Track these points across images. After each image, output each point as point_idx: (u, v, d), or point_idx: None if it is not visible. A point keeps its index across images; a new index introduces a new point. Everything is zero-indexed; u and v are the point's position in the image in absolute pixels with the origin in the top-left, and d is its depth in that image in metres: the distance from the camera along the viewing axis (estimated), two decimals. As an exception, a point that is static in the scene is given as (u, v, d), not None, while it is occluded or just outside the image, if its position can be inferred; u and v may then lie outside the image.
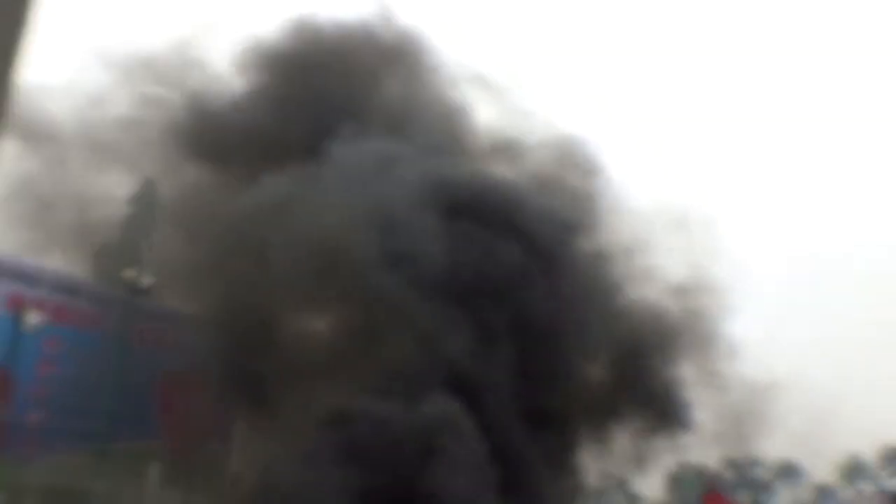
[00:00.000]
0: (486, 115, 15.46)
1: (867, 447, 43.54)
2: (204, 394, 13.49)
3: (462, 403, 10.43)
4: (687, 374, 15.18)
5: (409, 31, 15.09)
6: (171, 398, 13.91)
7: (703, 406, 15.15)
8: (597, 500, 48.49)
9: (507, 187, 13.62)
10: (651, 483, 45.84)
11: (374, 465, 9.46)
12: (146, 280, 12.85)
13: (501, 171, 15.07)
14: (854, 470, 44.00)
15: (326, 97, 13.33)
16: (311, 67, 13.75)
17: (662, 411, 14.08)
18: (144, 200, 15.25)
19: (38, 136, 12.77)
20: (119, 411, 12.75)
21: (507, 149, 15.42)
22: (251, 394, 11.83)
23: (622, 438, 14.80)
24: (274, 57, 14.07)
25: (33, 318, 11.42)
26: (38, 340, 12.07)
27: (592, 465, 14.87)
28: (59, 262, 13.16)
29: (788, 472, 46.77)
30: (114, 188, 14.58)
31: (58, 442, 12.11)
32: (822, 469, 49.60)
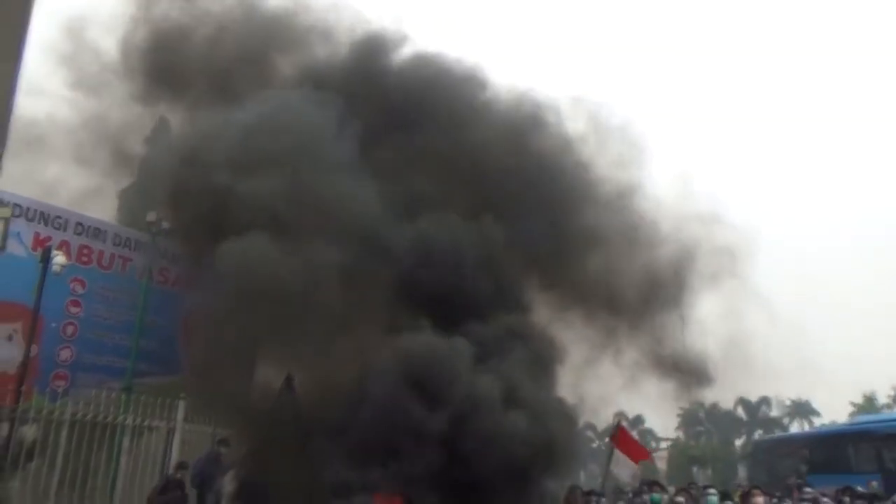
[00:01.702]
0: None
1: (881, 385, 43.83)
2: (225, 332, 13.86)
3: None
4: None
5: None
6: (194, 336, 14.30)
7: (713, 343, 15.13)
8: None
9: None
10: (665, 421, 46.74)
11: None
12: (167, 221, 12.97)
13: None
14: (867, 409, 44.19)
15: None
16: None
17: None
18: (160, 140, 15.23)
19: None
20: (145, 349, 13.19)
21: None
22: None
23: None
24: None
25: (60, 259, 11.67)
26: (65, 281, 12.41)
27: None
28: (83, 204, 13.33)
29: (801, 410, 47.20)
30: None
31: (87, 377, 12.61)
32: (835, 407, 50.12)
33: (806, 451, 19.58)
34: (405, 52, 14.40)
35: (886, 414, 25.29)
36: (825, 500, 10.04)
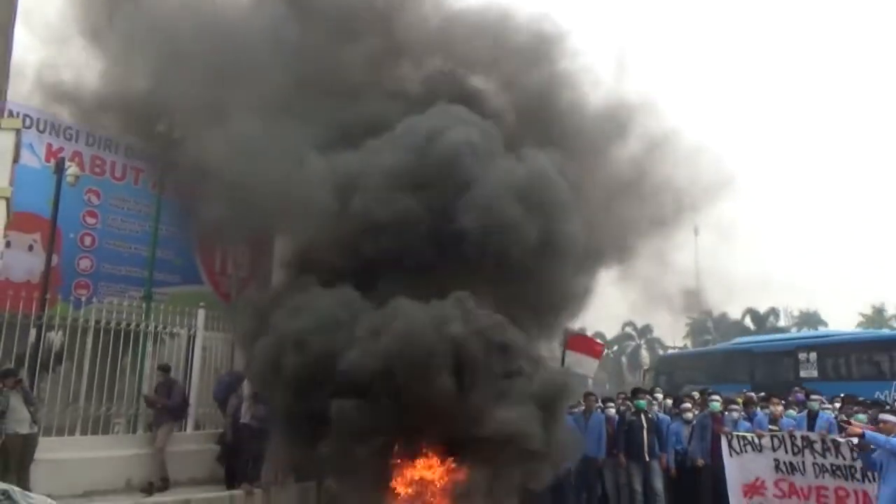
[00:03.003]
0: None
1: (891, 296, 44.20)
2: (241, 243, 14.06)
3: None
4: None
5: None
6: (210, 247, 14.50)
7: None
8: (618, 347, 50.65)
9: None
10: (674, 331, 47.59)
11: None
12: (177, 132, 12.86)
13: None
14: (875, 320, 44.68)
15: None
16: None
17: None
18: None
19: None
20: (163, 259, 13.43)
21: None
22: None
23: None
24: None
25: (73, 170, 11.73)
26: (79, 192, 12.52)
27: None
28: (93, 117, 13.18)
29: (809, 320, 47.79)
30: None
31: (108, 287, 12.93)
32: (843, 318, 50.65)
33: (703, 364, 23.96)
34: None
35: (763, 336, 30.41)
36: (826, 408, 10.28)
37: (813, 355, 18.87)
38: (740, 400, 11.34)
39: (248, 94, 10.17)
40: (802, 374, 18.63)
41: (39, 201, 11.55)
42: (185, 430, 11.15)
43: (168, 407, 10.25)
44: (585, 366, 13.84)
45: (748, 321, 47.22)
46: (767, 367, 20.06)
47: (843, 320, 44.99)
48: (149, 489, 9.53)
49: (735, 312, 48.71)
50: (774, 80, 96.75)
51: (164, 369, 10.60)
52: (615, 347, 52.16)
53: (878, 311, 45.07)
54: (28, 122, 12.14)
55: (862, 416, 9.03)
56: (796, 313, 49.20)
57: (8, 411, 8.29)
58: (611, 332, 51.88)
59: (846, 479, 8.56)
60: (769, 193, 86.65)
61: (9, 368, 8.80)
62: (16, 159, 10.12)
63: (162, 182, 13.00)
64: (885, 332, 26.94)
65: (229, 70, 10.26)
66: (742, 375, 19.72)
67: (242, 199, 9.61)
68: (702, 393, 12.37)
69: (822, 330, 26.85)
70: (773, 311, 47.30)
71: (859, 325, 44.70)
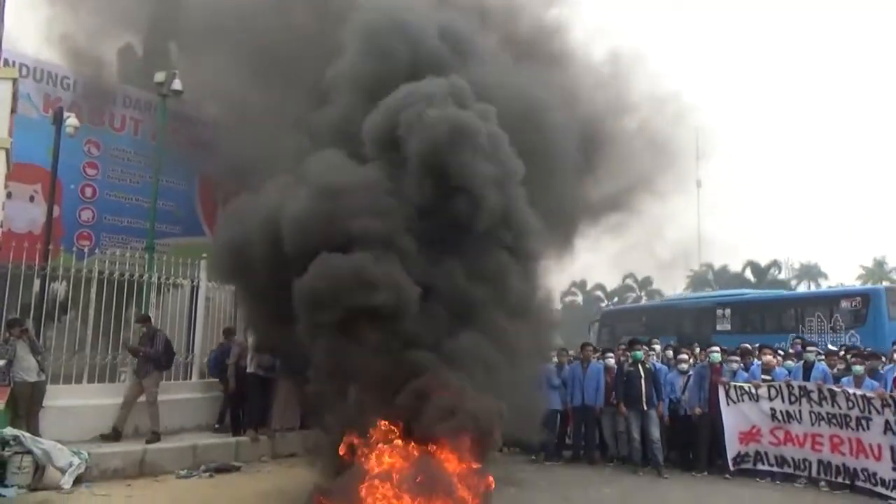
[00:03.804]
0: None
1: (892, 248, 44.10)
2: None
3: None
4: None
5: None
6: (211, 198, 14.48)
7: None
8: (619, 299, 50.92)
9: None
10: (674, 283, 47.74)
11: None
12: (177, 82, 12.69)
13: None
14: (876, 273, 44.69)
15: None
16: None
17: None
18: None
19: None
20: (164, 209, 13.42)
21: None
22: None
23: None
24: None
25: (72, 121, 11.63)
26: (79, 142, 12.45)
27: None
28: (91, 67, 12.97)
29: (810, 273, 47.83)
30: None
31: (110, 238, 12.97)
32: (844, 270, 50.76)
33: (639, 318, 26.45)
34: None
35: (690, 295, 33.97)
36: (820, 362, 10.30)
37: (728, 311, 21.06)
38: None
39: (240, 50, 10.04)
40: (718, 327, 20.63)
41: (39, 152, 11.50)
42: (190, 378, 11.32)
43: (150, 355, 9.94)
44: None
45: (749, 273, 47.23)
46: (691, 321, 22.07)
47: (844, 273, 45.14)
48: (154, 439, 9.61)
49: (736, 265, 48.79)
50: (778, 32, 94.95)
51: (142, 320, 10.34)
52: (615, 299, 52.39)
53: (879, 264, 45.09)
54: (24, 71, 11.99)
55: (858, 368, 9.11)
56: (797, 266, 49.25)
57: (15, 360, 8.42)
58: (612, 283, 52.16)
59: (841, 427, 8.75)
60: (773, 146, 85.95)
61: (15, 318, 8.89)
62: (14, 109, 10.00)
63: (162, 133, 12.87)
64: (784, 291, 31.10)
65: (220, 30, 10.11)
66: (671, 328, 21.46)
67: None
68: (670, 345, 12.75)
69: (737, 290, 29.01)
70: (775, 264, 47.26)
71: (859, 277, 44.78)
